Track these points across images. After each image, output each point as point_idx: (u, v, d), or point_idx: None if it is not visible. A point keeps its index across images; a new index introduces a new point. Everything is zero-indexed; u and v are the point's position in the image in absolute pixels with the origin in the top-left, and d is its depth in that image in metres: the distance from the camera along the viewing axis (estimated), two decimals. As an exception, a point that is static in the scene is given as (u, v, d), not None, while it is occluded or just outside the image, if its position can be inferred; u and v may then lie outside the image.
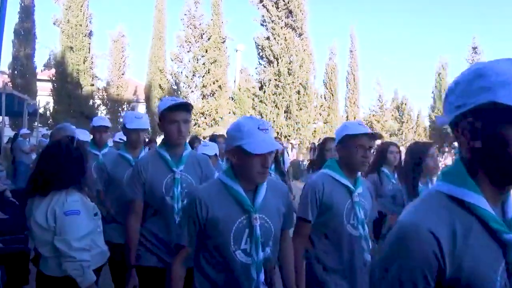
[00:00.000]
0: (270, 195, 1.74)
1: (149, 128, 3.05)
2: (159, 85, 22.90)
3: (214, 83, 20.50)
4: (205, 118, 20.16)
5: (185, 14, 20.81)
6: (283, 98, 20.71)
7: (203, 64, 20.58)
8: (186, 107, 2.26)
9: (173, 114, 2.19)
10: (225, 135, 1.94)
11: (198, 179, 2.34)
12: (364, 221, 2.10)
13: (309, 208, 2.09)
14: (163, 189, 2.23)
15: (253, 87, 21.67)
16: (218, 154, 4.27)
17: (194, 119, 19.46)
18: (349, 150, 2.08)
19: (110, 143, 4.34)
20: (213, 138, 4.92)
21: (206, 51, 20.51)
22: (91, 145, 3.72)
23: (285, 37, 20.73)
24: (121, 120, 23.08)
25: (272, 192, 1.76)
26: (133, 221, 2.26)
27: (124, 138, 5.52)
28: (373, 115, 26.90)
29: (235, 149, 1.63)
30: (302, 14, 21.30)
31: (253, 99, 21.23)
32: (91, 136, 3.93)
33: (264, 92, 20.92)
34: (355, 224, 2.08)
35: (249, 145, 1.57)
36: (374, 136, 2.19)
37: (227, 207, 1.64)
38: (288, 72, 20.61)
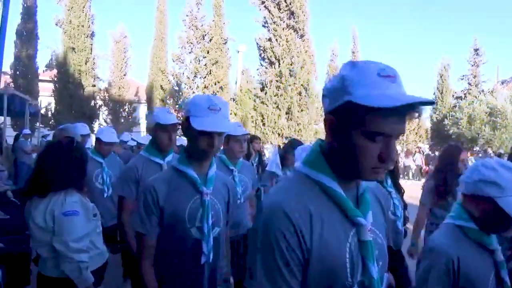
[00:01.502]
0: None
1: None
2: (161, 86, 22.96)
3: (215, 84, 20.52)
4: (206, 119, 20.15)
5: (187, 15, 20.84)
6: (284, 99, 20.69)
7: (205, 65, 20.61)
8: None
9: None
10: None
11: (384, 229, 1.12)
12: None
13: None
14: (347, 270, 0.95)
15: (254, 88, 21.66)
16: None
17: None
18: None
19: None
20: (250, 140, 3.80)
21: (208, 52, 20.54)
22: (152, 150, 2.61)
23: (286, 38, 20.72)
24: (122, 121, 23.26)
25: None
26: None
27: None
28: (375, 117, 26.85)
29: None
30: (304, 15, 21.29)
31: (254, 100, 21.21)
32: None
33: (266, 93, 20.90)
34: None
35: None
36: None
37: None
38: (289, 73, 20.59)
